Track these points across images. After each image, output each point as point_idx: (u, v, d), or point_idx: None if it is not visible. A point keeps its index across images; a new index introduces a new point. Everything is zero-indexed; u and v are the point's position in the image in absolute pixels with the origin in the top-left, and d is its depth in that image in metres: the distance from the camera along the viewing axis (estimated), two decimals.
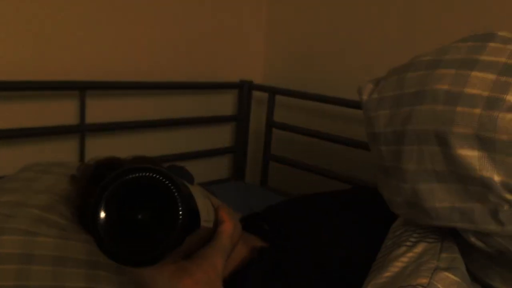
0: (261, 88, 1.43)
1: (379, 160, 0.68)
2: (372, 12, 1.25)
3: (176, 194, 0.43)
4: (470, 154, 0.54)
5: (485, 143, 0.53)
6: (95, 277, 0.68)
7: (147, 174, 0.43)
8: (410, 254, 0.63)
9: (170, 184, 0.43)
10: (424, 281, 0.56)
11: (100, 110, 1.15)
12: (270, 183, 1.46)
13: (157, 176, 0.43)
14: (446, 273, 0.58)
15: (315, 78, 1.40)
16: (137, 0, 1.18)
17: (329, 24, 1.35)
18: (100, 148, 1.17)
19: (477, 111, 0.54)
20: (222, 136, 1.50)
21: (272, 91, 1.39)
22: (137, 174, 0.43)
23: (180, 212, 0.42)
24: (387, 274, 0.60)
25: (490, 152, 0.53)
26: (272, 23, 1.51)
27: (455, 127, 0.55)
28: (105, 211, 0.43)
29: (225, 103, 1.48)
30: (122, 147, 1.22)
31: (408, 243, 0.65)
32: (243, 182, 1.48)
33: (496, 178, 0.53)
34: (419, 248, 0.64)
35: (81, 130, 1.11)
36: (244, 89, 1.44)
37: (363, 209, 0.83)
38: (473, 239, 0.61)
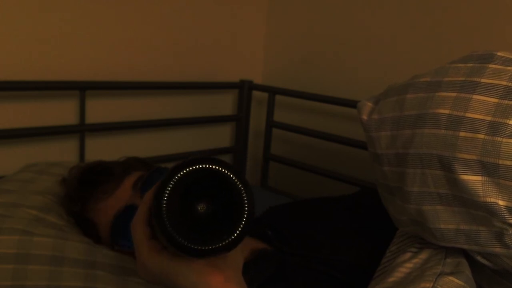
0: (261, 88, 1.43)
1: (382, 179, 0.68)
2: (371, 13, 1.25)
3: (239, 183, 0.44)
4: (473, 179, 0.54)
5: (488, 169, 0.53)
6: (93, 276, 0.68)
7: (204, 166, 0.43)
8: (415, 260, 0.63)
9: (229, 173, 0.44)
10: (427, 285, 0.56)
11: (100, 110, 1.16)
12: (270, 183, 1.46)
13: (217, 168, 0.44)
14: (451, 278, 0.58)
15: (315, 78, 1.40)
16: (137, 0, 1.18)
17: (329, 25, 1.35)
18: (100, 148, 1.17)
19: (481, 136, 0.53)
20: (222, 136, 1.50)
21: (272, 91, 1.39)
22: (195, 167, 0.43)
23: (246, 202, 0.44)
24: (392, 279, 0.60)
25: (494, 177, 0.53)
26: (272, 23, 1.51)
27: (458, 153, 0.55)
28: (168, 208, 0.42)
29: (225, 103, 1.48)
30: (122, 147, 1.22)
31: (413, 249, 0.65)
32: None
33: (501, 203, 0.53)
34: (424, 254, 0.63)
35: (81, 130, 1.11)
36: (244, 89, 1.44)
37: (366, 213, 0.83)
38: (479, 258, 0.61)
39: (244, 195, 0.44)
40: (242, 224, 0.43)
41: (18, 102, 1.03)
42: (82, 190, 0.78)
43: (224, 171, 0.44)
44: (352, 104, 1.17)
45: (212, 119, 1.42)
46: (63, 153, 1.11)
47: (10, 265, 0.64)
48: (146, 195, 0.48)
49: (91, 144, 1.15)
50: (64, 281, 0.65)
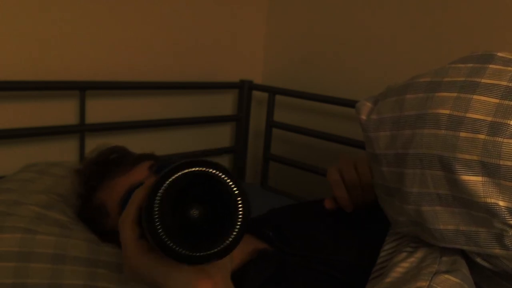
0: (261, 88, 1.43)
1: (380, 180, 0.68)
2: (371, 13, 1.25)
3: (235, 189, 0.42)
4: (474, 180, 0.54)
5: (489, 169, 0.53)
6: (94, 275, 0.68)
7: (201, 169, 0.42)
8: (411, 260, 0.62)
9: (226, 178, 0.42)
10: (423, 284, 0.56)
11: (100, 110, 1.16)
12: (270, 183, 1.46)
13: (212, 171, 0.42)
14: (446, 276, 0.58)
15: (315, 78, 1.40)
16: (137, 0, 1.18)
17: (329, 25, 1.35)
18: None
19: (481, 136, 0.53)
20: (222, 136, 1.50)
21: (272, 91, 1.39)
22: (191, 169, 0.42)
23: (241, 210, 0.42)
24: (388, 280, 0.60)
25: (495, 178, 0.53)
26: (272, 23, 1.51)
27: (458, 153, 0.54)
28: (160, 211, 0.41)
29: (225, 103, 1.48)
30: None
31: (409, 249, 0.65)
32: (243, 182, 1.48)
33: (502, 203, 0.53)
34: (419, 253, 0.63)
35: (81, 130, 1.11)
36: (244, 89, 1.44)
37: (367, 213, 0.83)
38: (479, 260, 0.60)
39: (240, 202, 0.42)
40: (235, 232, 0.42)
41: (18, 102, 1.03)
42: (98, 170, 0.79)
43: (222, 176, 0.42)
44: (352, 104, 1.17)
45: (212, 119, 1.42)
46: (63, 153, 1.11)
47: (12, 263, 0.64)
48: (135, 193, 0.47)
49: (91, 144, 1.15)
50: (66, 279, 0.65)
